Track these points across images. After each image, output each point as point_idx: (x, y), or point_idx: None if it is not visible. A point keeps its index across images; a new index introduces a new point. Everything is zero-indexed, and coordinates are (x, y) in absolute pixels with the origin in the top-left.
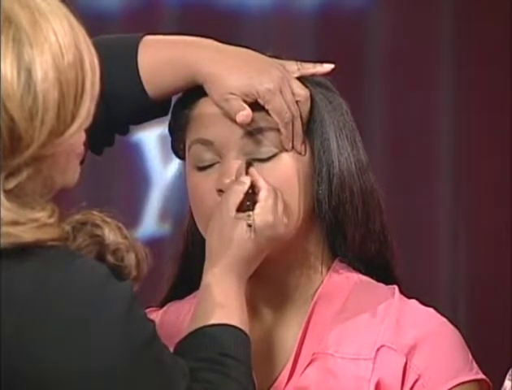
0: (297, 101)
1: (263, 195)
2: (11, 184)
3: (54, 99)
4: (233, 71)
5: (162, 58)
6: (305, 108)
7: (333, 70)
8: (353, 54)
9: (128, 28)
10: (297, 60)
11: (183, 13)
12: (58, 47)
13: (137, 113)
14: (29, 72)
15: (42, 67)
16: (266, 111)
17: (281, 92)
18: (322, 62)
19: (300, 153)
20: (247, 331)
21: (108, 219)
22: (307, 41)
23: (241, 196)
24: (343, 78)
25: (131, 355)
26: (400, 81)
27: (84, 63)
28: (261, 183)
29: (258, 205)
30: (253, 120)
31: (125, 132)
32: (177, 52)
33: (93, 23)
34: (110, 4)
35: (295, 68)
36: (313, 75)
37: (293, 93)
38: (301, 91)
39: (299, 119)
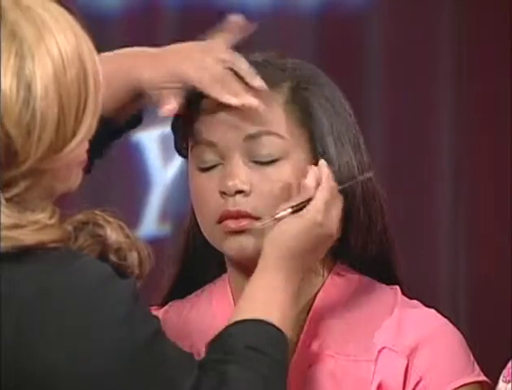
0: (231, 69)
1: (320, 194)
2: (9, 194)
3: (54, 115)
4: (159, 64)
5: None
6: (240, 64)
7: (333, 70)
8: (353, 53)
9: (128, 28)
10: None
11: (183, 13)
12: (60, 61)
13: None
14: (29, 87)
15: (43, 82)
16: (267, 114)
17: (207, 68)
18: (322, 62)
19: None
20: (286, 326)
21: (110, 219)
22: (307, 41)
23: (299, 200)
24: (343, 78)
25: (133, 355)
26: (400, 81)
27: (88, 77)
28: (323, 182)
29: (311, 202)
30: (255, 123)
31: (100, 155)
32: (113, 65)
33: (93, 23)
34: (110, 4)
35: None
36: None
37: (221, 60)
38: (226, 55)
39: (229, 75)
